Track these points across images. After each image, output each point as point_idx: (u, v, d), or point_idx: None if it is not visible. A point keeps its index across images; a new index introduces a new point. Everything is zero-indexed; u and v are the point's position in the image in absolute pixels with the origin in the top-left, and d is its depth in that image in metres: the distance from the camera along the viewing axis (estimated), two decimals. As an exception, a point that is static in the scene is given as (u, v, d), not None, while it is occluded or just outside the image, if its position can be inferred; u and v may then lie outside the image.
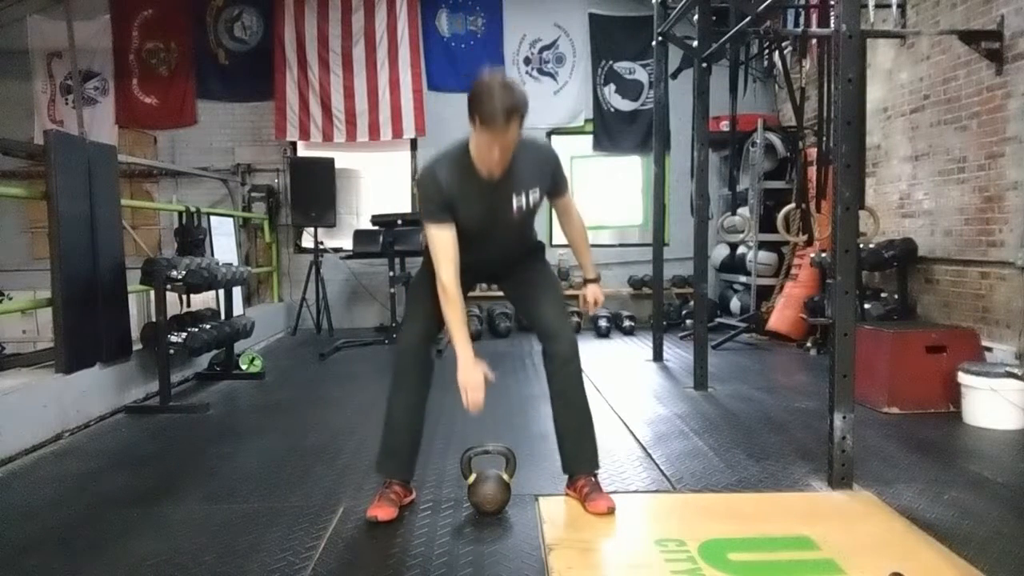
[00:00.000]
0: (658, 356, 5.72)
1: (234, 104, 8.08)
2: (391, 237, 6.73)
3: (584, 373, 2.72)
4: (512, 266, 2.73)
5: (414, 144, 8.11)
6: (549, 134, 8.09)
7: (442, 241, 2.45)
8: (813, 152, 5.13)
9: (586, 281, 2.86)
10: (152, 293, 4.55)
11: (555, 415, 2.69)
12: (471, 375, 2.42)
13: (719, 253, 7.61)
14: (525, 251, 2.76)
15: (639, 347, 6.49)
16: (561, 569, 2.17)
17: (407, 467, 2.69)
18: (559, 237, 8.02)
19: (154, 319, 4.47)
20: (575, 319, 7.43)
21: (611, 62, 8.09)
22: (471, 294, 2.83)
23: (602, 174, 8.23)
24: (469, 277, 2.60)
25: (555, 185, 2.64)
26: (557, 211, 2.77)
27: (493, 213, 2.51)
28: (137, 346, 4.50)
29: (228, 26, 8.02)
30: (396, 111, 7.86)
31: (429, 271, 2.63)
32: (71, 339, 3.89)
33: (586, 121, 8.10)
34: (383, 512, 2.53)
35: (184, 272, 4.41)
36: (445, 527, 2.51)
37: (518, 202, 2.51)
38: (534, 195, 2.54)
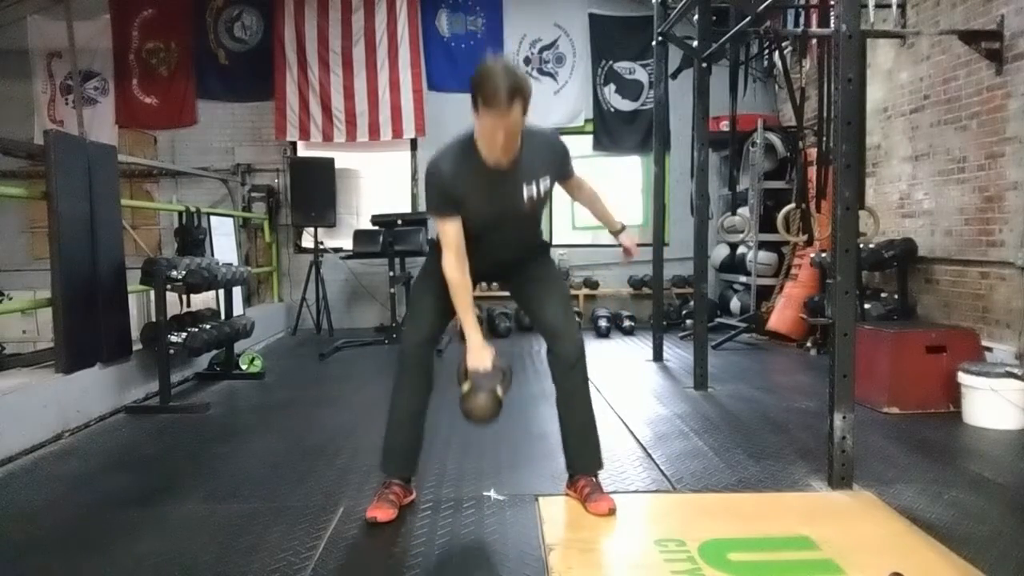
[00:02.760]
0: (658, 356, 5.72)
1: (234, 104, 8.08)
2: (391, 237, 6.74)
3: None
4: (519, 264, 2.71)
5: (414, 144, 8.11)
6: (549, 134, 8.10)
7: (448, 232, 2.45)
8: (813, 152, 5.12)
9: (615, 233, 2.91)
10: (152, 293, 4.55)
11: (560, 415, 2.69)
12: (481, 360, 2.46)
13: (719, 253, 7.61)
14: (532, 248, 2.74)
15: (639, 347, 6.49)
16: (561, 569, 2.17)
17: (410, 465, 2.70)
18: (559, 237, 8.10)
19: (154, 319, 4.47)
20: (576, 319, 7.46)
21: (611, 62, 8.09)
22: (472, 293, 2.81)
23: (602, 174, 8.23)
24: (474, 276, 2.56)
25: (565, 171, 2.63)
26: (568, 190, 2.77)
27: (503, 204, 2.48)
28: (137, 346, 4.50)
29: (228, 26, 8.02)
30: (396, 111, 7.86)
31: (430, 270, 2.63)
32: (71, 339, 3.89)
33: (586, 121, 8.10)
34: (382, 513, 2.53)
35: (184, 272, 4.41)
36: (445, 527, 2.51)
37: (529, 192, 2.48)
38: (545, 183, 2.52)
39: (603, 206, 2.87)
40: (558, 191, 2.73)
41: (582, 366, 2.65)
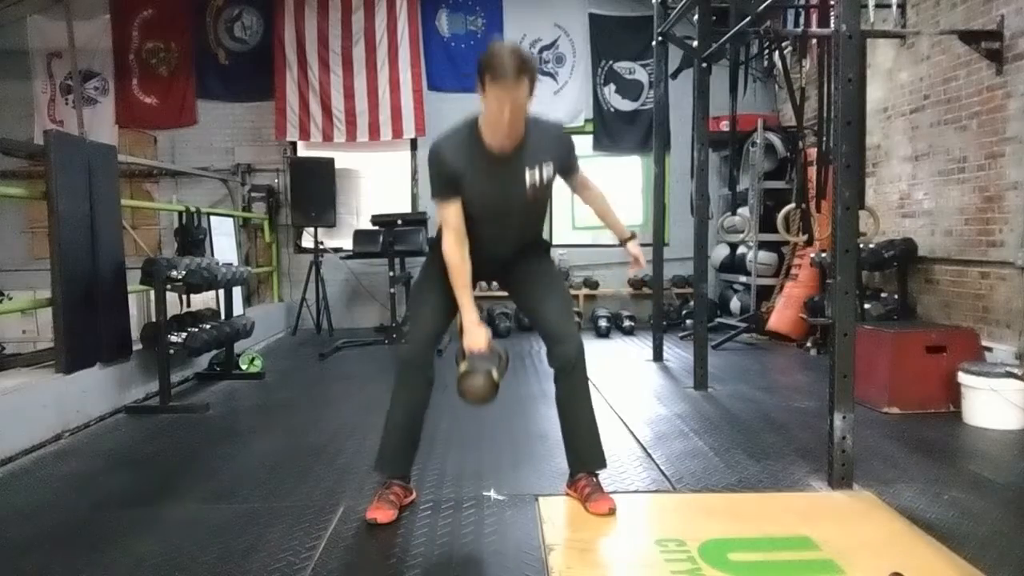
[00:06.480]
0: (658, 356, 5.72)
1: (234, 104, 8.08)
2: (391, 237, 6.74)
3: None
4: (518, 262, 2.69)
5: (414, 144, 8.11)
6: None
7: (448, 214, 2.45)
8: (813, 152, 5.12)
9: (624, 242, 2.87)
10: (152, 293, 4.55)
11: (562, 415, 2.69)
12: (477, 341, 2.46)
13: (719, 253, 7.61)
14: (533, 245, 2.72)
15: (639, 347, 6.49)
16: (561, 569, 2.17)
17: (404, 465, 2.69)
18: (559, 237, 8.10)
19: (154, 319, 4.47)
20: (575, 319, 7.47)
21: (611, 62, 8.09)
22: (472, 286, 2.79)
23: (602, 174, 8.22)
24: (474, 276, 2.56)
25: (569, 163, 2.62)
26: (574, 188, 2.76)
27: (505, 191, 2.46)
28: (137, 346, 4.50)
29: (228, 26, 8.02)
30: (396, 111, 7.86)
31: (430, 271, 2.63)
32: (71, 339, 3.88)
33: (586, 121, 8.10)
34: (382, 514, 2.53)
35: (184, 272, 4.40)
36: (445, 527, 2.51)
37: (532, 178, 2.47)
38: (547, 170, 2.50)
39: (612, 212, 2.85)
40: (566, 191, 2.73)
41: (582, 366, 2.65)
